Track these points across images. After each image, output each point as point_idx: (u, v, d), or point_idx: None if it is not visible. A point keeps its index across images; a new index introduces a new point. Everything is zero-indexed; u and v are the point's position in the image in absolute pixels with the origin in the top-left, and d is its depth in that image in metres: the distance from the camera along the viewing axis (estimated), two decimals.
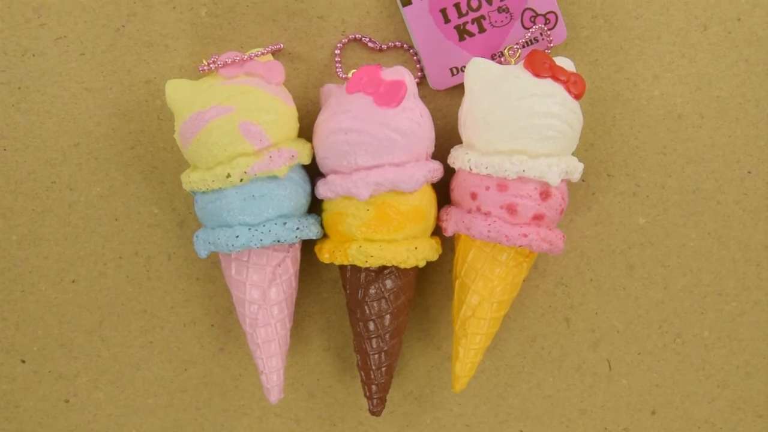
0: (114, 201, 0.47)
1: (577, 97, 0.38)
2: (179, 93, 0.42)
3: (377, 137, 0.40)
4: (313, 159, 0.43)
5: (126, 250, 0.47)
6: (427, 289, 0.48)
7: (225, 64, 0.42)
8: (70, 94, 0.46)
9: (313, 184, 0.44)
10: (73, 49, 0.46)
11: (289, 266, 0.43)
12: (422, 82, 0.46)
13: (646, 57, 0.46)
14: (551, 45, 0.32)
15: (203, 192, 0.42)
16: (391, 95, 0.41)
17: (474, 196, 0.41)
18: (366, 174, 0.41)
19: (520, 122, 0.39)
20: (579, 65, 0.46)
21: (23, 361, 0.48)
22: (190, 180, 0.42)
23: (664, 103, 0.46)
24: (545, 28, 0.32)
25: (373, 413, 0.45)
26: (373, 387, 0.44)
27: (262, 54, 0.43)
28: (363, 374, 0.44)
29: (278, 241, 0.41)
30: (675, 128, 0.46)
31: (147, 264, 0.47)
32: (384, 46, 0.45)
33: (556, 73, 0.35)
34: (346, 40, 0.45)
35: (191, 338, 0.48)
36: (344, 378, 0.48)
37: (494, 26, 0.32)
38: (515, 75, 0.38)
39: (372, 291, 0.43)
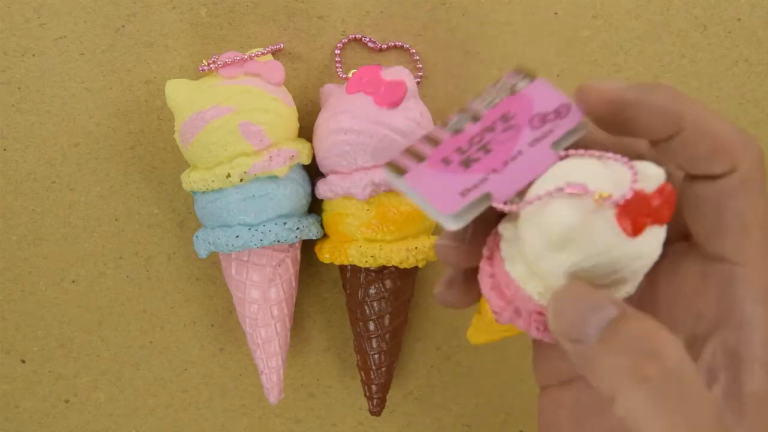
0: (114, 201, 0.47)
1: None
2: (179, 93, 0.42)
3: (377, 137, 0.40)
4: (313, 159, 0.43)
5: (126, 250, 0.47)
6: (427, 289, 0.48)
7: (225, 64, 0.42)
8: (70, 94, 0.46)
9: (313, 184, 0.44)
10: (73, 49, 0.46)
11: (289, 266, 0.43)
12: (422, 82, 0.46)
13: (646, 57, 0.46)
14: (565, 132, 0.29)
15: (203, 192, 0.42)
16: (391, 95, 0.41)
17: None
18: (366, 174, 0.41)
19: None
20: (579, 65, 0.46)
21: (23, 361, 0.48)
22: (190, 180, 0.42)
23: None
24: (557, 121, 0.28)
25: (373, 413, 0.45)
26: (373, 387, 0.44)
27: (262, 54, 0.43)
28: (363, 374, 0.45)
29: (278, 241, 0.41)
30: None
31: (147, 264, 0.47)
32: (384, 46, 0.45)
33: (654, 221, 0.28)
34: (346, 40, 0.45)
35: (191, 338, 0.48)
36: (344, 378, 0.48)
37: (501, 144, 0.29)
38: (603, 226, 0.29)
39: (372, 291, 0.43)
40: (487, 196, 0.28)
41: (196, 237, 0.43)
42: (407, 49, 0.45)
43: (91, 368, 0.48)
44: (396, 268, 0.43)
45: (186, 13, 0.45)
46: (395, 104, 0.41)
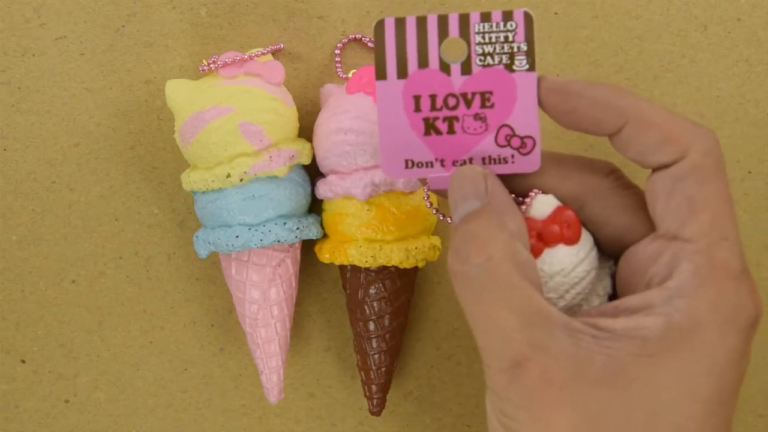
0: (114, 201, 0.47)
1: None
2: (179, 93, 0.42)
3: (377, 137, 0.40)
4: (313, 159, 0.43)
5: (126, 250, 0.47)
6: (427, 289, 0.48)
7: (225, 64, 0.42)
8: (70, 94, 0.46)
9: (313, 184, 0.44)
10: (73, 49, 0.46)
11: (289, 266, 0.44)
12: None
13: (646, 57, 0.46)
14: (518, 171, 0.30)
15: (203, 192, 0.42)
16: None
17: None
18: (366, 174, 0.41)
19: None
20: (579, 65, 0.46)
21: (23, 361, 0.48)
22: (190, 180, 0.42)
23: (664, 103, 0.46)
24: (518, 153, 0.29)
25: (373, 413, 0.45)
26: (373, 387, 0.44)
27: (262, 54, 0.43)
28: (363, 374, 0.45)
29: (278, 241, 0.41)
30: None
31: (147, 264, 0.47)
32: None
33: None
34: (346, 40, 0.45)
35: (191, 338, 0.48)
36: (344, 378, 0.48)
37: (465, 132, 0.30)
38: None
39: (372, 291, 0.43)
40: (423, 182, 0.31)
41: (196, 237, 0.43)
42: None
43: (91, 368, 0.48)
44: (396, 268, 0.43)
45: (186, 13, 0.45)
46: None
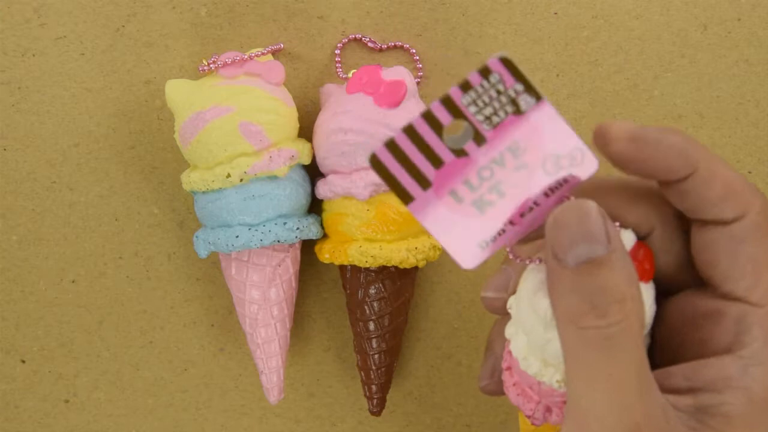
0: (114, 201, 0.47)
1: None
2: (179, 93, 0.42)
3: (377, 137, 0.40)
4: (313, 159, 0.43)
5: (126, 250, 0.47)
6: (427, 289, 0.48)
7: (225, 64, 0.42)
8: (70, 94, 0.46)
9: (313, 184, 0.44)
10: (73, 49, 0.46)
11: (289, 266, 0.43)
12: (422, 82, 0.46)
13: (646, 57, 0.46)
14: (582, 179, 0.29)
15: (203, 192, 0.42)
16: (391, 95, 0.41)
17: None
18: (366, 174, 0.41)
19: None
20: (579, 65, 0.46)
21: (23, 361, 0.48)
22: (190, 180, 0.42)
23: (664, 103, 0.46)
24: (572, 166, 0.28)
25: (373, 413, 0.45)
26: (373, 387, 0.44)
27: (262, 54, 0.43)
28: (363, 374, 0.44)
29: (278, 241, 0.41)
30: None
31: (147, 264, 0.47)
32: (384, 46, 0.45)
33: None
34: (346, 40, 0.45)
35: (191, 338, 0.48)
36: (344, 378, 0.48)
37: (514, 187, 0.28)
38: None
39: (372, 291, 0.43)
40: (505, 250, 0.28)
41: (196, 237, 0.43)
42: (407, 49, 0.45)
43: (91, 368, 0.48)
44: (396, 268, 0.43)
45: (186, 13, 0.45)
46: (395, 104, 0.41)
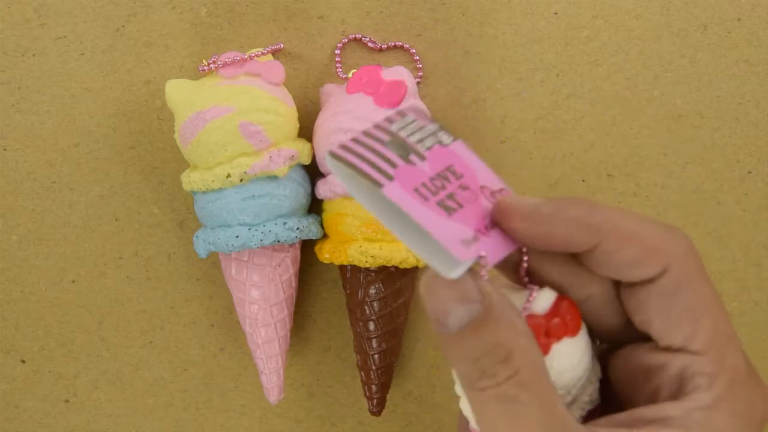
0: (114, 201, 0.47)
1: None
2: (179, 93, 0.42)
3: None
4: (313, 159, 0.43)
5: (126, 250, 0.47)
6: None
7: (225, 64, 0.42)
8: (70, 94, 0.46)
9: (313, 184, 0.44)
10: (73, 49, 0.46)
11: (289, 266, 0.44)
12: (422, 82, 0.46)
13: (646, 57, 0.46)
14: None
15: (203, 192, 0.42)
16: (391, 95, 0.41)
17: None
18: None
19: None
20: (578, 65, 0.46)
21: (23, 361, 0.48)
22: (190, 180, 0.42)
23: (664, 103, 0.46)
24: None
25: (373, 413, 0.45)
26: (373, 387, 0.44)
27: (262, 54, 0.43)
28: (363, 374, 0.45)
29: (278, 241, 0.41)
30: (675, 128, 0.46)
31: (147, 264, 0.47)
32: (384, 46, 0.45)
33: None
34: (346, 40, 0.45)
35: (191, 338, 0.48)
36: (344, 378, 0.48)
37: (468, 202, 0.28)
38: None
39: (372, 291, 0.43)
40: (481, 257, 0.27)
41: (196, 237, 0.43)
42: (407, 49, 0.45)
43: (91, 368, 0.48)
44: (396, 268, 0.43)
45: (186, 13, 0.45)
46: (395, 104, 0.41)
